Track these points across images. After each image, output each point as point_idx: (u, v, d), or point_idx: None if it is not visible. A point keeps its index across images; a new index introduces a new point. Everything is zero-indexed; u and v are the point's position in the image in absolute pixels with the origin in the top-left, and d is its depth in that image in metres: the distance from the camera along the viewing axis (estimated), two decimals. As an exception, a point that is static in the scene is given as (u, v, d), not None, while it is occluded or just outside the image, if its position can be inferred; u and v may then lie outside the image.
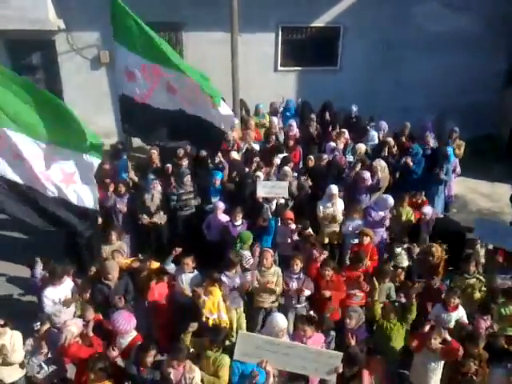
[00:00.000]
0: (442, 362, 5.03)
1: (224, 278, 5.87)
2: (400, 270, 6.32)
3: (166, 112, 7.33)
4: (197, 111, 7.30)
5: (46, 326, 5.11)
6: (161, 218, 7.50)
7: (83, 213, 5.88)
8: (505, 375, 4.88)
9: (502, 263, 6.59)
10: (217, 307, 5.62)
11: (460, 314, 5.53)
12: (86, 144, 5.59)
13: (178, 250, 6.19)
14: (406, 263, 6.71)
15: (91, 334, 4.94)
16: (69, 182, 5.72)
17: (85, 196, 5.81)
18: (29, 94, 5.39)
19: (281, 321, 4.91)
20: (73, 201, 5.74)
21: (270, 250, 6.21)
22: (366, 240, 6.66)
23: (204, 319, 5.53)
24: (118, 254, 6.27)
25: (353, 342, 4.87)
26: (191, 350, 4.86)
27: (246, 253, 6.37)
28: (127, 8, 6.86)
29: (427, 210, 7.25)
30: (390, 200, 7.32)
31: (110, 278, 5.70)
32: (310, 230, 7.03)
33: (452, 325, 5.43)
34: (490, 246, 6.88)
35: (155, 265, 6.18)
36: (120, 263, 6.08)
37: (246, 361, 4.32)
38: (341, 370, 4.29)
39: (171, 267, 6.14)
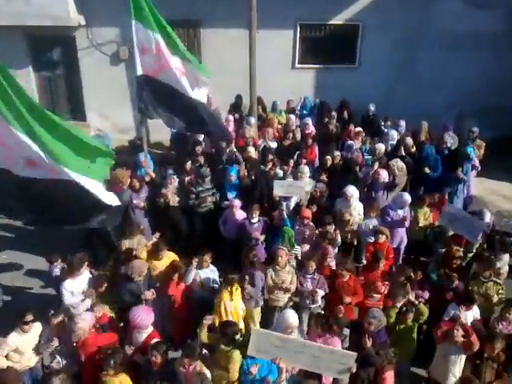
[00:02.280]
0: (464, 357, 4.98)
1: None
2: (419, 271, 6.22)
3: (174, 91, 7.38)
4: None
5: (59, 317, 5.16)
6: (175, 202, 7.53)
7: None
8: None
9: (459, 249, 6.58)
10: (224, 312, 5.59)
11: (475, 312, 5.52)
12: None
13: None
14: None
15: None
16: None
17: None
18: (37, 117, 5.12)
19: (291, 317, 4.89)
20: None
21: (285, 249, 6.19)
22: (382, 238, 6.59)
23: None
24: (142, 250, 6.31)
25: (369, 344, 4.82)
26: (204, 351, 4.83)
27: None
28: None
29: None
30: (406, 196, 7.24)
31: (141, 278, 5.72)
32: (332, 226, 6.92)
33: (469, 323, 5.36)
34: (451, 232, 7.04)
35: (173, 257, 6.22)
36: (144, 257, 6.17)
37: (260, 357, 4.31)
38: (354, 370, 4.25)
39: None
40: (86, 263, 5.86)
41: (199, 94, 7.70)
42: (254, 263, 5.98)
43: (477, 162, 9.16)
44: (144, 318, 4.98)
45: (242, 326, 5.70)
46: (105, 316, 5.25)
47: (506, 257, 6.72)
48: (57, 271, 6.18)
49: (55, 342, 4.96)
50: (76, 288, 5.60)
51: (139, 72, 7.26)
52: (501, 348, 4.93)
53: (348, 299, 5.70)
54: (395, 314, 5.44)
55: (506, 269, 6.62)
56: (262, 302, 6.05)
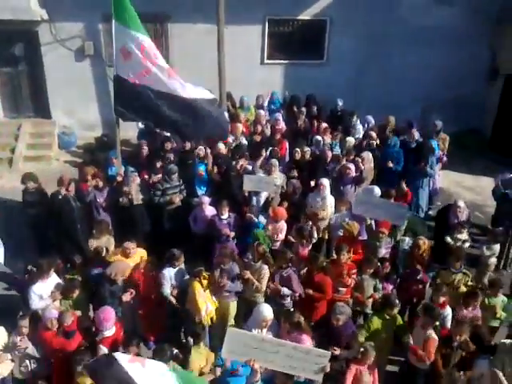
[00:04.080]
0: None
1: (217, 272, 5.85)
2: (386, 262, 6.34)
3: (160, 94, 7.02)
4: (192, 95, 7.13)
5: (27, 319, 5.02)
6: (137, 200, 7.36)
7: None
8: (487, 366, 4.90)
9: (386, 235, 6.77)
10: (202, 301, 5.63)
11: (446, 313, 5.57)
12: None
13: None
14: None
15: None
16: None
17: None
18: None
19: (266, 310, 4.94)
20: None
21: (263, 244, 6.19)
22: (349, 232, 6.69)
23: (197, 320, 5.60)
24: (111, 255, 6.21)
25: (337, 352, 4.89)
26: (175, 350, 4.82)
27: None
28: None
29: None
30: (376, 190, 7.37)
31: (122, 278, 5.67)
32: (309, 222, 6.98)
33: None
34: (369, 221, 7.13)
35: (142, 253, 6.16)
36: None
37: (234, 358, 4.28)
38: (328, 370, 4.26)
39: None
40: (54, 267, 5.72)
41: (196, 92, 7.22)
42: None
43: (444, 158, 9.36)
44: (103, 322, 4.94)
45: (213, 315, 5.76)
46: (73, 323, 5.11)
47: (496, 247, 6.93)
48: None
49: (25, 344, 4.86)
50: (44, 291, 5.46)
51: (119, 73, 7.04)
52: (467, 333, 5.04)
53: (310, 291, 5.74)
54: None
55: (493, 260, 6.79)
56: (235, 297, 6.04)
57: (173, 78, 7.02)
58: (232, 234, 6.91)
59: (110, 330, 5.00)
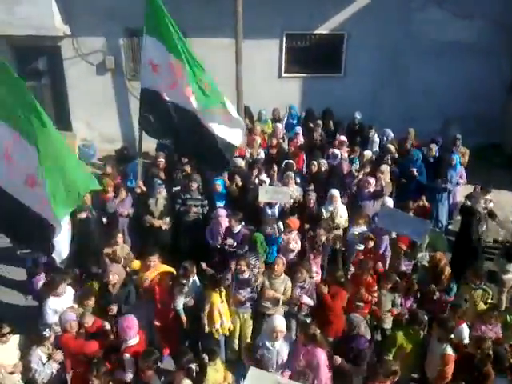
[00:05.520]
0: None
1: (233, 283, 5.89)
2: (406, 277, 6.25)
3: (183, 111, 6.85)
4: (208, 121, 6.90)
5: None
6: (165, 224, 7.47)
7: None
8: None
9: (405, 250, 6.78)
10: (218, 314, 5.64)
11: (461, 328, 5.39)
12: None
13: None
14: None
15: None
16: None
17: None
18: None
19: (278, 321, 4.91)
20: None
21: (283, 258, 6.18)
22: (370, 244, 6.64)
23: (207, 330, 5.60)
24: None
25: (338, 361, 4.90)
26: (194, 365, 4.72)
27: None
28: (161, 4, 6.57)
29: None
30: (386, 199, 7.34)
31: (111, 281, 5.71)
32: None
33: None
34: (394, 235, 7.11)
35: (161, 267, 6.16)
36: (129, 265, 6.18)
37: None
38: None
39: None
40: (69, 281, 5.78)
41: (224, 132, 6.99)
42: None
43: (464, 175, 9.17)
44: (125, 329, 4.92)
45: (229, 325, 5.81)
46: (97, 322, 5.20)
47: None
48: (40, 284, 6.09)
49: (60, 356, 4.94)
50: (60, 306, 5.48)
51: (144, 85, 6.95)
52: (488, 349, 4.90)
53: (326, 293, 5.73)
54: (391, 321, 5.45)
55: (510, 277, 6.69)
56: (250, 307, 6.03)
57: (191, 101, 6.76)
58: (231, 242, 6.85)
59: (135, 339, 4.96)
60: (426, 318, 5.38)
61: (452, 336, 5.09)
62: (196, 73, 6.70)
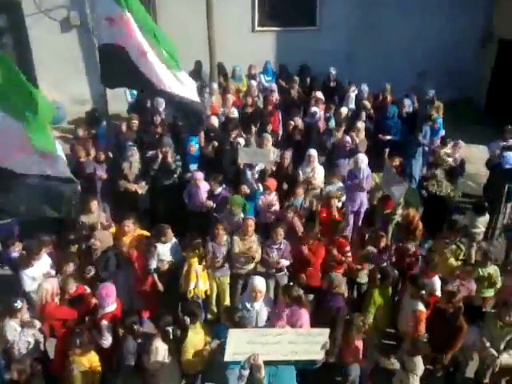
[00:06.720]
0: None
1: (210, 247, 5.92)
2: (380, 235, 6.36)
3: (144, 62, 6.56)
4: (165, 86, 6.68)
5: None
6: (141, 188, 7.38)
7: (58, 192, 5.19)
8: (478, 333, 5.10)
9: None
10: (195, 275, 5.74)
11: (433, 282, 5.57)
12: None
13: None
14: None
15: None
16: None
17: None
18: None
19: (258, 281, 4.99)
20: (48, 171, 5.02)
21: (253, 218, 6.23)
22: (335, 203, 6.72)
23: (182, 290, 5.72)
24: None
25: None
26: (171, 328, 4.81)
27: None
28: None
29: None
30: (361, 157, 7.31)
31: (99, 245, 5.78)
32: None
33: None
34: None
35: (138, 231, 6.15)
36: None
37: (238, 359, 4.04)
38: (328, 347, 4.17)
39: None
40: (45, 247, 5.73)
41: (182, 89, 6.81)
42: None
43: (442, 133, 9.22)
44: (103, 296, 4.96)
45: (207, 288, 5.91)
46: (79, 288, 5.23)
47: (482, 219, 6.90)
48: (15, 254, 6.01)
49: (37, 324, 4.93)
50: (37, 273, 5.46)
51: (102, 41, 6.66)
52: (459, 301, 5.08)
53: (306, 250, 5.85)
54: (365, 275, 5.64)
55: (478, 231, 6.82)
56: (229, 271, 6.13)
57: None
58: (211, 204, 6.85)
59: (112, 306, 5.01)
60: (397, 273, 5.56)
61: (423, 292, 5.27)
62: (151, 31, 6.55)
